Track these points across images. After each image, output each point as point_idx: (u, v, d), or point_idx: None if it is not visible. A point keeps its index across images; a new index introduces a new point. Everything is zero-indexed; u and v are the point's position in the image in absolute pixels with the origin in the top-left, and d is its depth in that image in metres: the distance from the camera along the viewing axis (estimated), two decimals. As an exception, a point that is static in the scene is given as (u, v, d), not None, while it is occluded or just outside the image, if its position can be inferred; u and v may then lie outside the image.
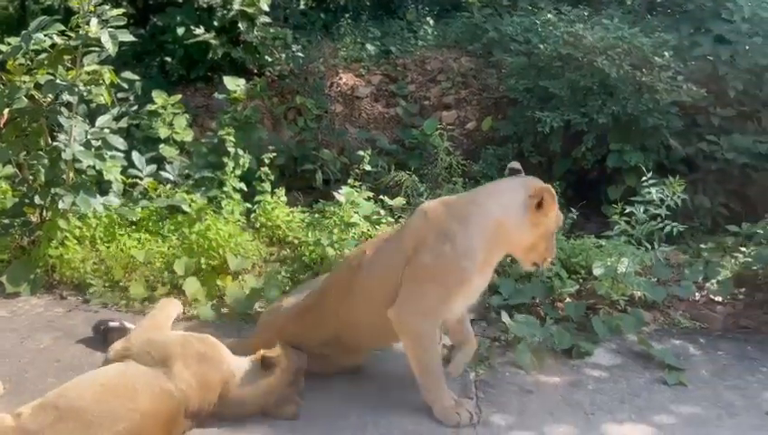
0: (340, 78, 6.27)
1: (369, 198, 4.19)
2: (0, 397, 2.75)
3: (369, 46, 6.66)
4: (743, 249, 4.03)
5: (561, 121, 4.96)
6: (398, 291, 2.67)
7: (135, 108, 5.12)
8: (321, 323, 2.83)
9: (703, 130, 5.06)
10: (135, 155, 4.34)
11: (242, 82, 5.03)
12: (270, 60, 6.04)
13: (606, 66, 4.76)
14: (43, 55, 3.47)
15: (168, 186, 4.43)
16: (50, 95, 3.49)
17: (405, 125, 5.99)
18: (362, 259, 2.78)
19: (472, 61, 6.46)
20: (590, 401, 2.89)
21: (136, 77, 3.88)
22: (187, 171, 4.55)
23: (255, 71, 6.13)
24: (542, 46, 5.24)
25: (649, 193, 3.34)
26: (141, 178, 4.38)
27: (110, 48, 3.36)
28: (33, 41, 3.28)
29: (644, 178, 3.46)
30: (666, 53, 4.87)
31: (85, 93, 3.47)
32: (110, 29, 3.45)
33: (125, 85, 3.79)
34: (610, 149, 5.01)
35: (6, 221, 3.89)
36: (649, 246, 3.58)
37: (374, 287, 2.74)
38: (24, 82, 3.46)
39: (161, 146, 4.64)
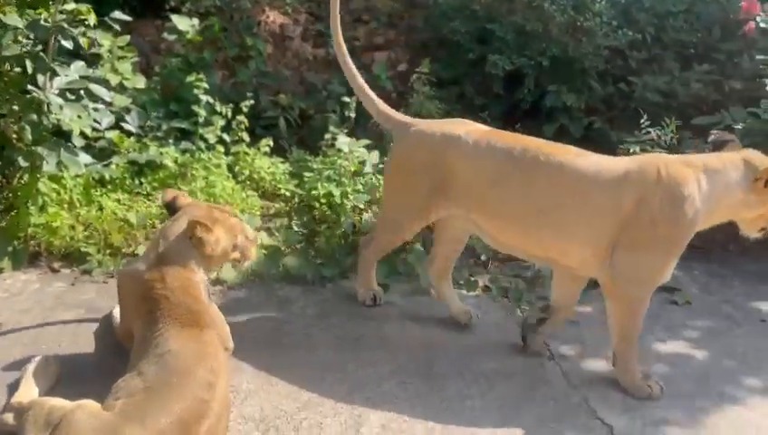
0: (268, 16, 5.91)
1: (367, 146, 4.13)
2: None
3: (289, -19, 6.30)
4: None
5: (510, 64, 5.21)
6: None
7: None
8: None
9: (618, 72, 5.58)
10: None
11: (195, 21, 4.57)
12: (191, -6, 5.50)
13: (554, 11, 5.06)
14: (16, -10, 2.92)
15: (132, 138, 4.01)
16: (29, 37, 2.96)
17: (339, 67, 5.84)
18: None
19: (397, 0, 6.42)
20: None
21: (126, 17, 3.38)
22: (149, 122, 4.12)
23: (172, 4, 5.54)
24: (488, -12, 5.39)
25: (648, 132, 3.71)
26: (101, 132, 3.92)
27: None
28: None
29: (642, 120, 3.82)
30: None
31: (77, 36, 2.98)
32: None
33: (116, 26, 3.30)
34: (549, 90, 5.39)
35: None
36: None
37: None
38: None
39: (112, 94, 4.12)
